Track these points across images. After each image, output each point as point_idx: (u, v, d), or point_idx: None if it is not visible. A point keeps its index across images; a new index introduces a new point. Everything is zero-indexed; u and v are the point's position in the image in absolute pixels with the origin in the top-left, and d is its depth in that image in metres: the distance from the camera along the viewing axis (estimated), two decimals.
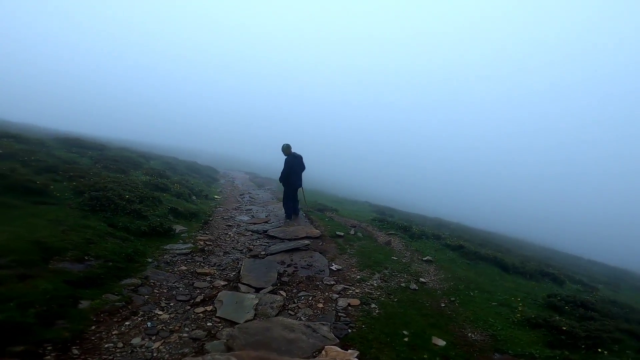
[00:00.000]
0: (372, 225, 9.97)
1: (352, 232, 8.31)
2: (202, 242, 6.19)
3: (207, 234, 6.98)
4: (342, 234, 7.79)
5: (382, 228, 9.64)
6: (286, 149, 9.14)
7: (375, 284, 5.19)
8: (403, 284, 5.48)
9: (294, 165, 8.99)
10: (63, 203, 5.71)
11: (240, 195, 13.73)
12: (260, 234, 7.38)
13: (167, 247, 5.60)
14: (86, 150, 12.53)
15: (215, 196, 12.33)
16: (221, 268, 5.16)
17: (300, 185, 9.34)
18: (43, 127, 27.06)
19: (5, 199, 5.13)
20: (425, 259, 7.31)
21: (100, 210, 5.69)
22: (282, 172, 8.94)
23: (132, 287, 3.98)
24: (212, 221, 8.20)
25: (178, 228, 6.61)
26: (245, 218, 8.94)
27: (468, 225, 25.98)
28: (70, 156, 10.50)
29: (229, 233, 7.28)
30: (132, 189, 7.08)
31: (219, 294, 4.06)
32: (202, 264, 5.21)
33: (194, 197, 10.18)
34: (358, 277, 5.36)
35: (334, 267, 5.60)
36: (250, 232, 7.43)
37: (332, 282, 4.88)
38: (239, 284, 4.46)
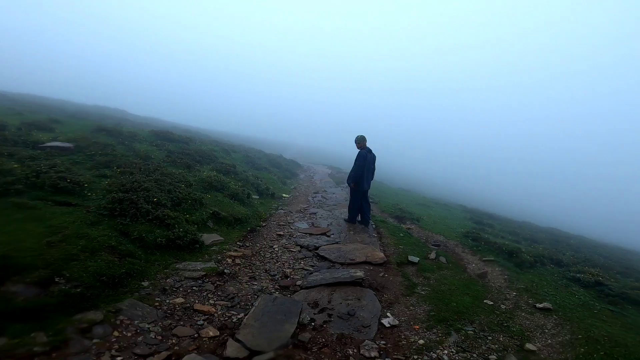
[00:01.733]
0: (463, 244, 7.70)
1: (432, 255, 6.31)
2: (230, 260, 5.03)
3: (245, 247, 5.83)
4: (416, 259, 5.87)
5: (477, 250, 7.32)
6: (361, 140, 7.59)
7: (445, 358, 3.29)
8: (494, 356, 3.46)
9: (368, 161, 7.40)
10: (85, 205, 5.12)
11: (314, 193, 12.57)
12: (310, 250, 5.96)
13: (181, 265, 4.56)
14: (170, 142, 12.75)
15: (284, 195, 11.37)
16: (232, 304, 3.87)
17: (369, 188, 7.70)
18: (168, 122, 30.30)
19: (22, 199, 4.69)
20: (542, 306, 5.01)
21: (119, 215, 4.94)
22: (354, 169, 7.43)
23: (85, 326, 2.92)
24: (262, 228, 7.08)
25: (211, 239, 5.59)
26: (304, 225, 7.63)
27: (594, 238, 20.48)
28: (147, 149, 10.60)
29: (274, 247, 6.02)
30: (173, 189, 6.33)
31: (185, 356, 2.74)
32: (210, 295, 3.99)
33: (254, 197, 9.28)
34: (420, 342, 3.51)
35: (388, 320, 3.82)
36: (298, 248, 6.06)
37: (374, 354, 3.14)
38: (231, 339, 3.08)
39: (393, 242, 6.74)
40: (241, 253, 5.37)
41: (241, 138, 40.04)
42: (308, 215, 8.78)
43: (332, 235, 6.89)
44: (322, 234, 6.94)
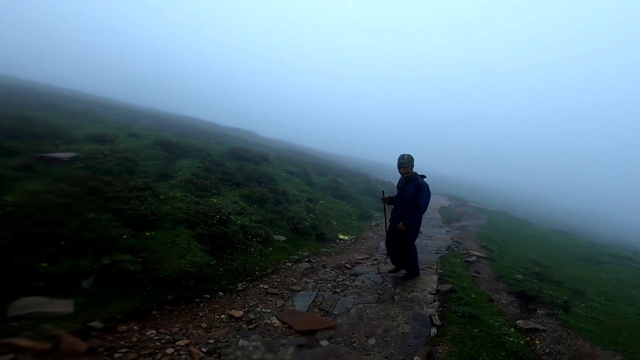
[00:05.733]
0: None
1: None
2: None
3: (109, 333, 2.84)
4: None
5: None
6: (398, 163, 4.96)
7: None
8: None
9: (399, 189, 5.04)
10: None
11: None
12: None
13: None
14: (234, 160, 10.77)
15: (342, 236, 7.98)
16: None
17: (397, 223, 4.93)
18: (296, 145, 30.45)
19: None
20: None
21: None
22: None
23: None
24: (224, 297, 4.01)
25: (38, 307, 2.84)
26: (304, 303, 4.22)
27: None
28: (190, 166, 8.84)
29: (168, 350, 2.87)
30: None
31: None
32: None
33: (276, 238, 6.26)
34: None
35: None
36: None
37: None
38: None
39: None
40: (47, 346, 2.41)
41: (371, 164, 37.76)
42: (343, 278, 5.24)
43: (324, 342, 3.26)
44: (311, 331, 3.39)
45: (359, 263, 6.12)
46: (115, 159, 7.21)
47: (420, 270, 5.56)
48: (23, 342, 2.38)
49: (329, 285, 4.90)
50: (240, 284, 4.51)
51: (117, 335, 2.88)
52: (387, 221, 5.42)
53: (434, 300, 4.46)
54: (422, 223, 5.37)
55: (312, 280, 5.02)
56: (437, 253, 7.18)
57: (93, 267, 3.61)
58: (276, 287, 4.60)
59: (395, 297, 4.49)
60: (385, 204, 5.44)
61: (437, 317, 3.89)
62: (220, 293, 4.16)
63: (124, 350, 2.68)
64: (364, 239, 8.24)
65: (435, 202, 16.75)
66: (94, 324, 2.92)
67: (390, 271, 5.52)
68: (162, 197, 6.19)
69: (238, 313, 3.66)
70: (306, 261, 5.88)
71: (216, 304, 3.84)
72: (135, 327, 3.06)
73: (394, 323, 3.68)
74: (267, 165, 12.03)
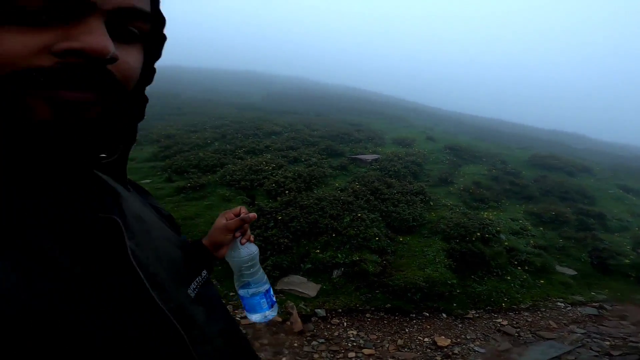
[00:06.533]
0: None
1: None
2: None
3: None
4: None
5: None
6: None
7: None
8: None
9: None
10: None
11: None
12: None
13: None
14: (544, 170, 9.21)
15: None
16: None
17: None
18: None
19: None
20: None
21: None
22: None
23: None
24: (460, 321, 3.90)
25: (307, 289, 3.94)
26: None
27: None
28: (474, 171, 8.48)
29: None
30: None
31: None
32: None
33: (560, 271, 4.96)
34: None
35: None
36: None
37: None
38: None
39: None
40: (279, 319, 3.37)
41: None
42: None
43: None
44: None
45: None
46: (405, 162, 8.13)
47: None
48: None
49: (607, 343, 3.43)
50: (474, 312, 4.07)
51: (327, 326, 3.53)
52: None
53: None
54: None
55: (584, 331, 3.71)
56: None
57: (344, 261, 4.46)
58: (517, 327, 3.79)
59: None
60: None
61: None
62: (444, 315, 3.96)
63: (321, 340, 3.27)
64: None
65: None
66: (319, 311, 3.70)
67: None
68: (432, 203, 6.43)
69: (444, 342, 3.41)
70: (595, 306, 4.33)
71: (429, 325, 3.74)
72: (345, 324, 3.60)
73: None
74: (586, 178, 9.42)
